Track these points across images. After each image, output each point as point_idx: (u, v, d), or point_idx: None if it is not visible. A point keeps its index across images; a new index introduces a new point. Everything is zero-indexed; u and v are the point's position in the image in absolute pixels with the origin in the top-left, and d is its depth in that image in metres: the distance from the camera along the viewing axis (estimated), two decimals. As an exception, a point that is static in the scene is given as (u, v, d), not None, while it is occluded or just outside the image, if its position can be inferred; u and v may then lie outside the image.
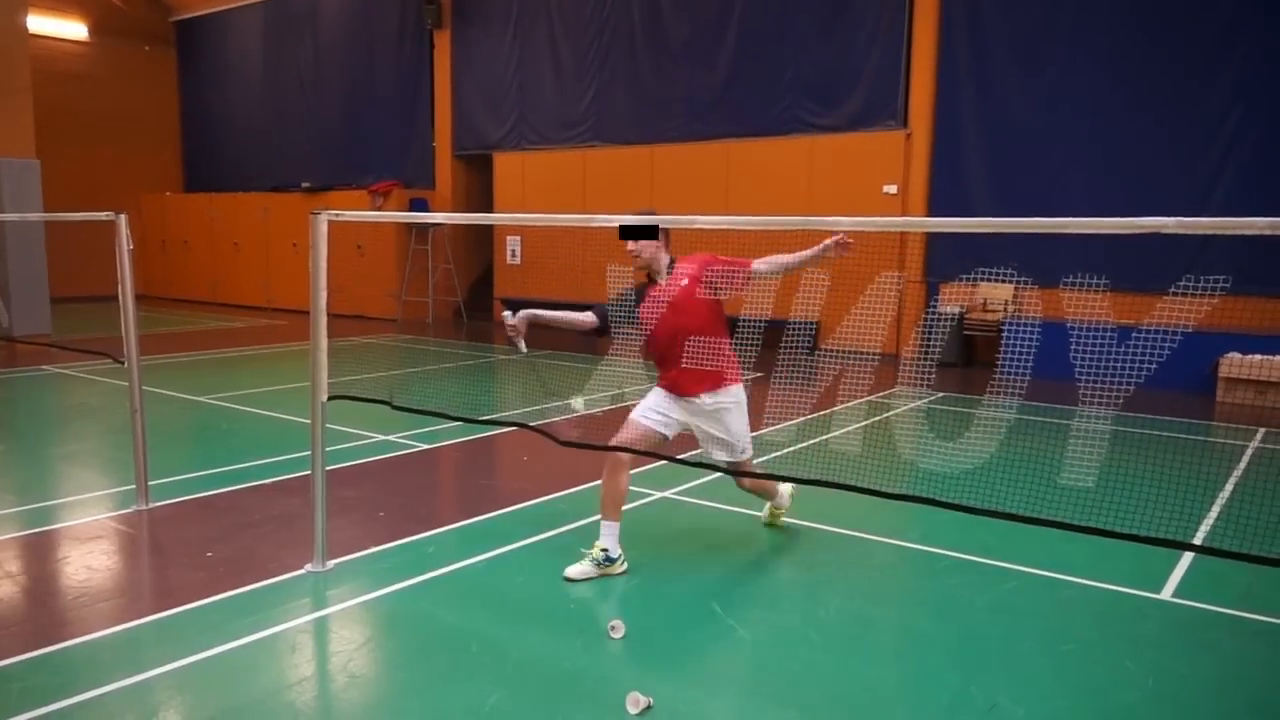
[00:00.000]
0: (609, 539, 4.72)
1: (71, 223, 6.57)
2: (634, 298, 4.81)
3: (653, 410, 4.78)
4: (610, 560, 4.71)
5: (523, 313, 4.74)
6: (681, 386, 4.73)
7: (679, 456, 4.73)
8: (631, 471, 6.31)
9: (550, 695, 3.51)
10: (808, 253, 4.54)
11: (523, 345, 4.77)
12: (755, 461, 5.35)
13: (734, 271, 4.65)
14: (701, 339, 4.60)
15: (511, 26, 17.12)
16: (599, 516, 4.77)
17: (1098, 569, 4.84)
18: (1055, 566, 4.89)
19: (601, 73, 16.08)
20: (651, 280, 4.81)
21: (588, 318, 4.87)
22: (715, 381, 4.70)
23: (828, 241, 4.43)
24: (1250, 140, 10.73)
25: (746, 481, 5.13)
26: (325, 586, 4.54)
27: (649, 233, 4.35)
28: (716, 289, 4.69)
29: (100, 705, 3.39)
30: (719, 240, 5.88)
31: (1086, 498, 4.36)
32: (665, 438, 4.79)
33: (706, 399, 4.73)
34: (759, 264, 4.64)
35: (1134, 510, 4.26)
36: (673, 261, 4.81)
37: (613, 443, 4.69)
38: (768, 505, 5.54)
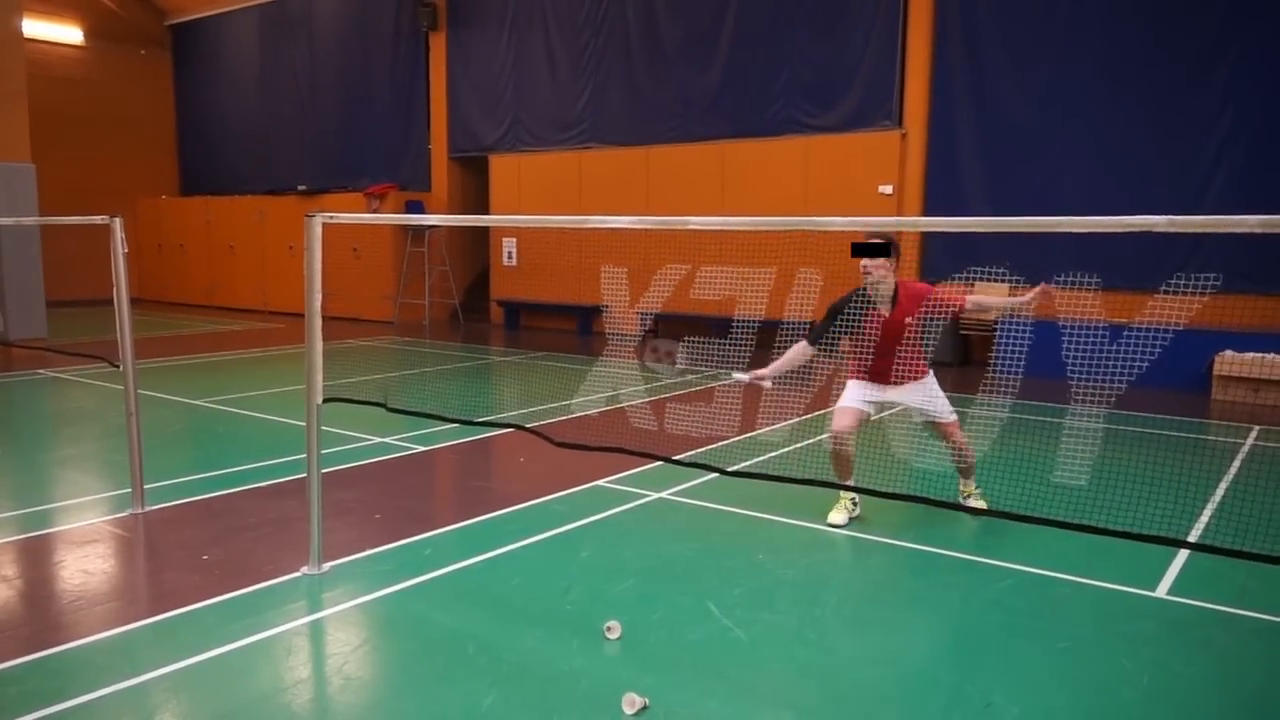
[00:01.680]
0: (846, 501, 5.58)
1: (67, 226, 6.57)
2: (854, 315, 5.35)
3: (861, 398, 5.58)
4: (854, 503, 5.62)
5: (761, 374, 5.20)
6: (892, 378, 5.48)
7: (675, 457, 4.73)
8: (629, 473, 6.35)
9: (546, 696, 3.52)
10: (1014, 301, 5.26)
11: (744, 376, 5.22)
12: (750, 462, 5.38)
13: (948, 307, 5.50)
14: (915, 348, 5.48)
15: (506, 28, 17.12)
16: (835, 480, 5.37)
17: (1093, 567, 4.85)
18: (1050, 565, 4.89)
19: (597, 74, 16.09)
20: (871, 303, 5.38)
21: (803, 350, 5.43)
22: (918, 374, 5.55)
23: (1035, 291, 4.98)
24: (1243, 139, 10.76)
25: (958, 437, 5.64)
26: (321, 589, 4.54)
27: (883, 250, 5.10)
28: (928, 320, 5.46)
29: (97, 708, 3.39)
30: (714, 241, 5.89)
31: (1082, 496, 4.37)
32: (870, 415, 5.67)
33: (913, 385, 5.54)
34: (971, 300, 5.56)
35: (1129, 508, 4.27)
36: (897, 289, 5.42)
37: (834, 428, 5.46)
38: (966, 492, 5.85)
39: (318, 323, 4.73)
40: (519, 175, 17.14)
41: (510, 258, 17.25)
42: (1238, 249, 10.30)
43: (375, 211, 17.57)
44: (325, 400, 4.79)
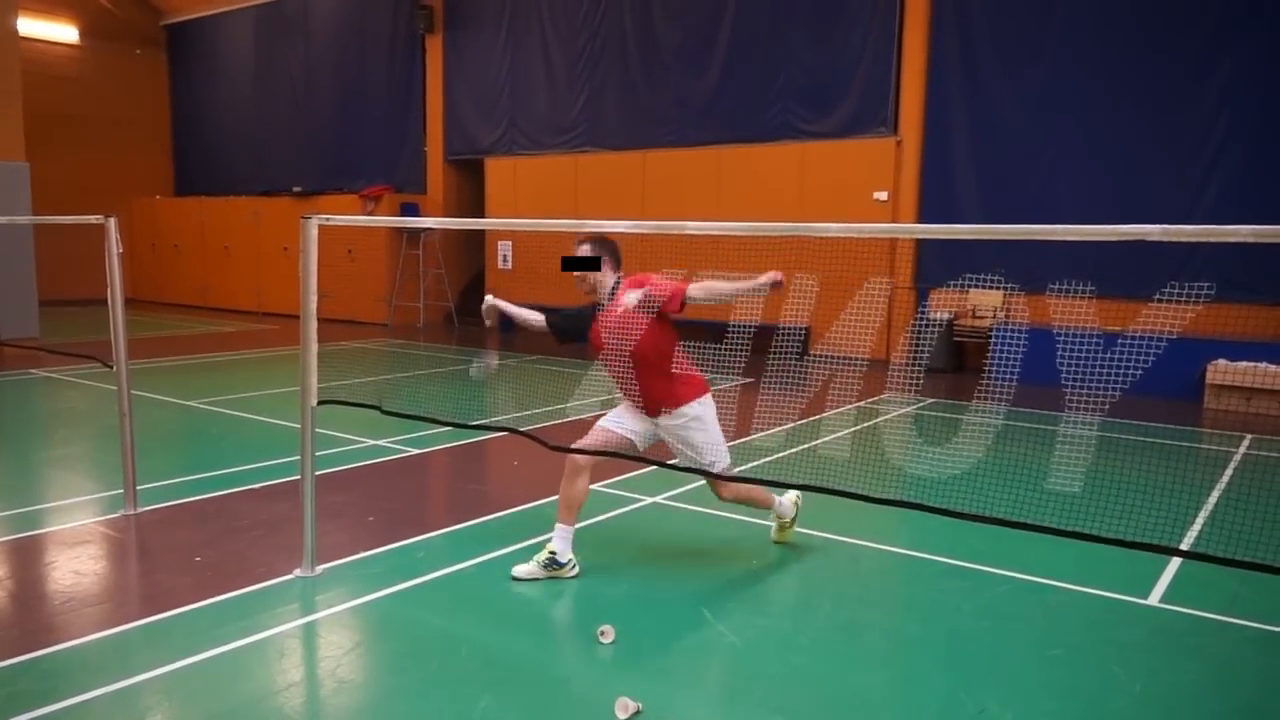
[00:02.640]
0: (560, 542, 4.69)
1: (61, 226, 6.55)
2: (588, 317, 4.84)
3: (621, 421, 4.78)
4: (558, 564, 4.68)
5: (498, 302, 4.99)
6: (650, 404, 4.70)
7: (670, 462, 4.74)
8: (623, 477, 6.33)
9: (539, 700, 3.51)
10: (745, 285, 4.43)
11: (493, 364, 4.91)
12: (744, 468, 5.36)
13: (667, 299, 4.55)
14: (649, 360, 4.58)
15: (503, 32, 17.14)
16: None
17: (1086, 574, 4.86)
18: (1043, 572, 4.90)
19: (593, 78, 16.11)
20: (598, 303, 4.80)
21: (539, 321, 5.04)
22: (673, 399, 4.66)
23: (763, 279, 4.35)
24: (1237, 148, 10.81)
25: (726, 493, 4.99)
26: (314, 591, 4.53)
27: (592, 264, 4.53)
28: (654, 312, 4.60)
29: (88, 710, 3.37)
30: (710, 246, 5.90)
31: (1075, 503, 4.38)
32: (634, 445, 4.77)
33: (664, 420, 4.70)
34: (694, 289, 4.55)
35: (1122, 515, 4.28)
36: (617, 283, 4.77)
37: (579, 444, 4.68)
38: (774, 521, 5.39)
39: (312, 324, 4.72)
40: (515, 178, 17.14)
41: (505, 261, 17.25)
42: (1232, 258, 10.35)
43: (370, 213, 17.54)
44: (319, 402, 4.79)
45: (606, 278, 4.76)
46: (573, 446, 4.63)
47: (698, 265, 5.64)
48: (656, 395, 4.65)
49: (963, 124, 12.61)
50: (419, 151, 18.68)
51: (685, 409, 4.67)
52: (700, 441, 4.70)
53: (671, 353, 4.68)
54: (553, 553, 4.68)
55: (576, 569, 4.75)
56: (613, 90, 15.91)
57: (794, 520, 5.37)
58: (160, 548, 5.23)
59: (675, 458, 4.83)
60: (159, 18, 23.20)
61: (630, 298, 4.60)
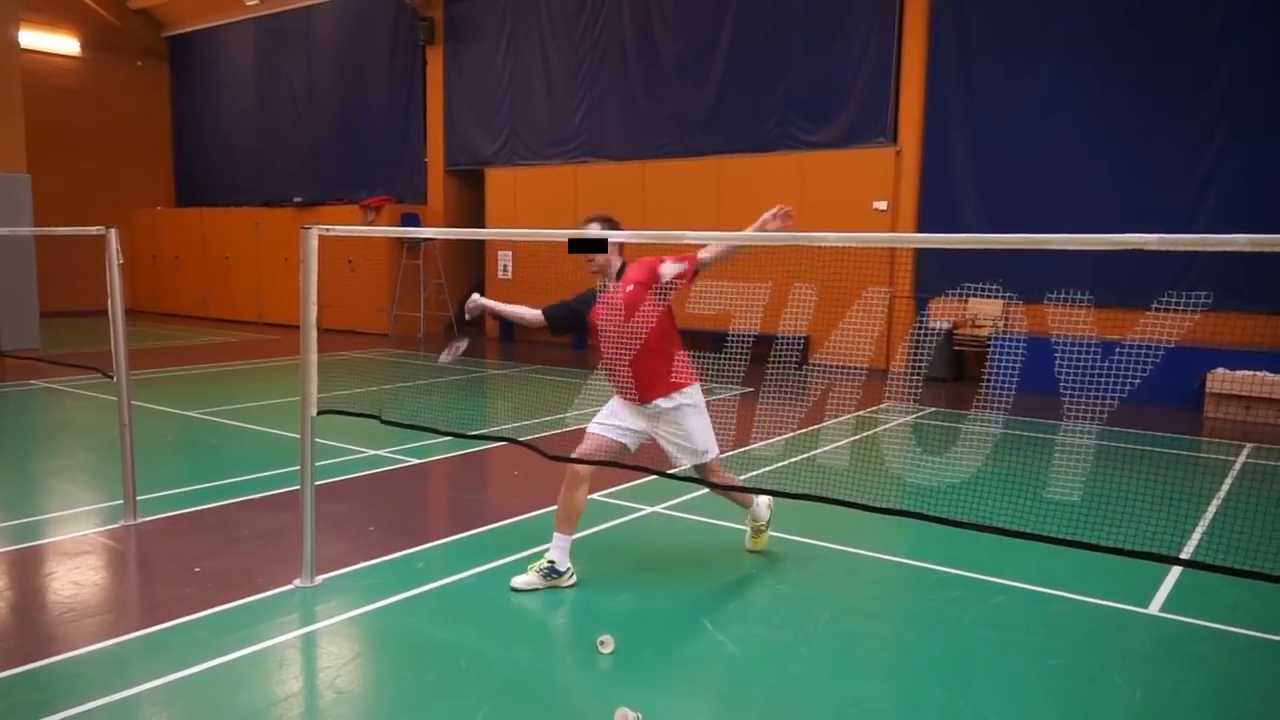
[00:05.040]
0: (558, 551, 4.70)
1: (62, 237, 6.57)
2: (587, 302, 4.87)
3: (611, 420, 4.78)
4: (557, 573, 4.69)
5: (485, 301, 4.92)
6: (637, 392, 4.70)
7: (669, 471, 4.73)
8: (623, 487, 6.33)
9: (539, 711, 3.51)
10: (748, 231, 4.54)
11: (461, 346, 4.92)
12: (743, 477, 5.37)
13: (677, 268, 4.61)
14: (652, 343, 4.60)
15: (504, 43, 17.20)
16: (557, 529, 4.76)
17: (1086, 584, 4.85)
18: (1043, 581, 4.90)
19: (593, 89, 16.15)
20: (603, 289, 4.82)
21: (535, 316, 4.99)
22: (670, 384, 4.70)
23: (766, 215, 4.52)
24: (1236, 158, 10.83)
25: (718, 479, 5.00)
26: (314, 602, 4.53)
27: (599, 247, 4.41)
28: (666, 291, 4.65)
29: (86, 721, 3.37)
30: (636, 256, 5.90)
31: (1075, 512, 4.37)
32: (626, 448, 4.78)
33: (663, 402, 4.70)
34: (703, 254, 4.64)
35: (1122, 525, 4.28)
36: (623, 266, 4.81)
37: (575, 453, 4.69)
38: (748, 525, 5.41)
39: (313, 335, 4.73)
40: (515, 189, 17.18)
41: (505, 271, 17.27)
42: (1232, 266, 10.36)
43: (371, 224, 17.58)
44: (319, 412, 4.79)
45: (614, 259, 4.79)
46: (572, 456, 4.63)
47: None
48: (656, 378, 4.66)
49: (962, 133, 12.64)
50: (419, 162, 18.73)
51: (683, 392, 4.71)
52: (696, 426, 4.74)
53: (673, 335, 4.74)
54: (551, 561, 4.68)
55: (574, 578, 4.75)
56: (612, 101, 15.95)
57: (768, 525, 5.38)
58: (160, 558, 5.22)
59: (667, 455, 4.83)
60: (160, 30, 23.29)
61: (668, 268, 4.60)
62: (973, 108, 12.53)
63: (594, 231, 4.48)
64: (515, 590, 4.65)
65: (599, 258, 4.71)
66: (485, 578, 4.89)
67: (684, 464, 4.87)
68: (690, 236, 3.96)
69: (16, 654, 3.90)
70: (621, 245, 4.83)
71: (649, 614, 4.48)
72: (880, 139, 13.28)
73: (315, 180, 20.15)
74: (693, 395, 4.75)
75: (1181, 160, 11.10)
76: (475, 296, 4.95)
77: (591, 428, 4.81)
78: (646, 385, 4.68)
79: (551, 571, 4.67)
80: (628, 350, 4.61)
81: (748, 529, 5.45)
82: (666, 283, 4.62)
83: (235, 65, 22.10)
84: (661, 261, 4.68)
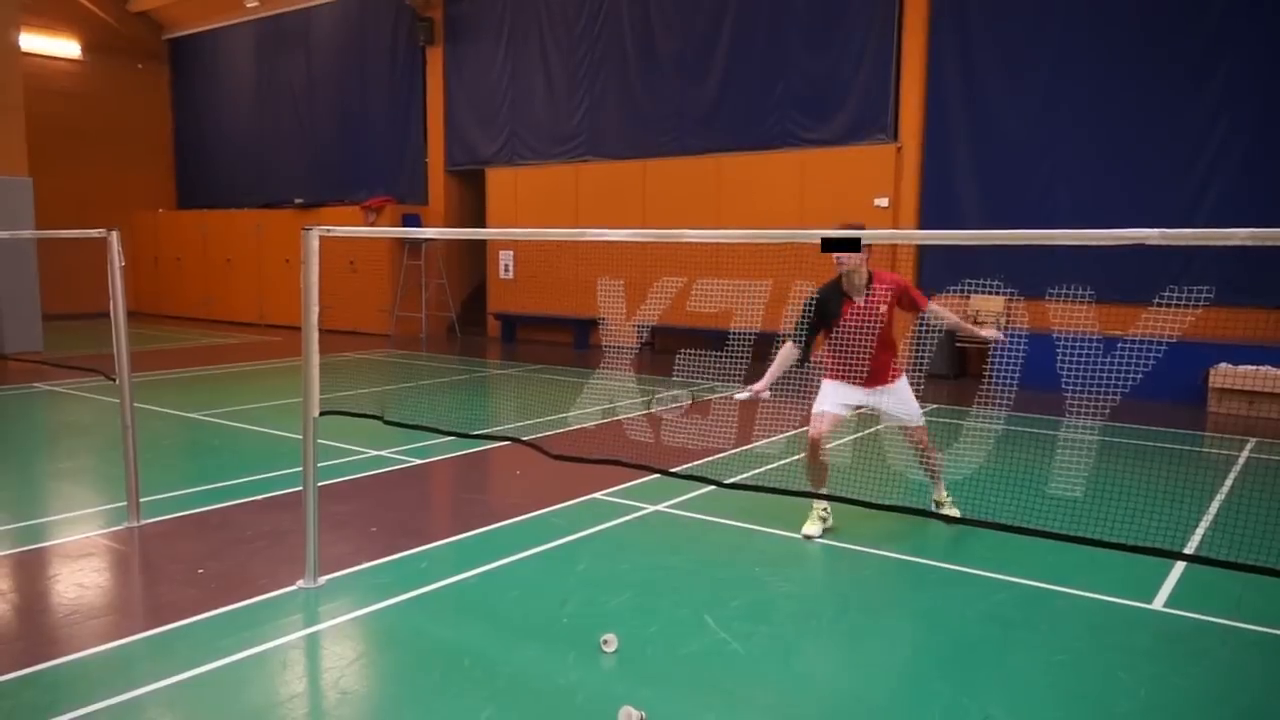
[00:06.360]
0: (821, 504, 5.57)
1: (64, 240, 6.57)
2: (829, 307, 5.45)
3: (838, 398, 5.53)
4: (823, 518, 5.61)
5: (757, 386, 5.35)
6: (874, 378, 5.49)
7: (671, 470, 4.73)
8: (626, 485, 6.35)
9: (543, 710, 3.51)
10: (970, 328, 5.60)
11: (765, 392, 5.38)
12: (745, 476, 5.38)
13: (918, 302, 5.51)
14: (888, 342, 5.52)
15: (503, 43, 17.20)
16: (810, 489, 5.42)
17: (1089, 579, 4.84)
18: (1047, 577, 4.89)
19: (593, 88, 16.15)
20: (845, 293, 5.44)
21: (793, 356, 5.51)
22: (894, 375, 5.58)
23: (990, 333, 5.56)
24: (1236, 152, 10.81)
25: (925, 442, 5.70)
26: (317, 602, 4.53)
27: (854, 245, 4.68)
28: (903, 308, 5.53)
29: (90, 723, 3.37)
30: (709, 254, 5.91)
31: (1078, 508, 4.37)
32: (846, 420, 5.66)
33: (885, 388, 5.53)
34: (934, 306, 5.54)
35: (1126, 520, 4.28)
36: (870, 278, 5.45)
37: (811, 433, 5.40)
38: (933, 496, 5.87)
39: (314, 336, 4.73)
40: (516, 188, 17.18)
41: (507, 271, 17.27)
42: (1234, 261, 10.34)
43: (372, 225, 17.59)
44: (321, 413, 4.79)
45: (863, 266, 5.42)
46: (811, 433, 5.42)
47: (698, 272, 5.65)
48: (886, 369, 5.53)
49: (962, 130, 12.63)
50: (420, 162, 18.73)
51: (903, 380, 5.65)
52: (912, 401, 5.63)
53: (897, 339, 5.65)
54: (826, 508, 5.59)
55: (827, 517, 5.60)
56: (613, 99, 15.95)
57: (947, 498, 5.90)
58: (163, 560, 5.23)
59: (883, 418, 5.79)
60: (161, 32, 23.31)
61: (940, 312, 5.60)
62: (973, 104, 12.51)
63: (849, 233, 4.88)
64: (808, 538, 5.41)
65: (851, 261, 5.33)
66: (488, 577, 4.90)
67: (902, 421, 5.62)
68: (690, 235, 3.95)
69: (21, 656, 3.90)
70: (868, 254, 5.45)
71: (652, 612, 4.48)
72: (881, 136, 13.27)
73: (316, 181, 20.16)
74: (905, 379, 5.69)
75: (1182, 154, 11.09)
76: (741, 397, 5.27)
77: (822, 407, 5.51)
78: (879, 374, 5.50)
79: (828, 516, 5.60)
80: (873, 348, 5.38)
81: (939, 502, 5.80)
82: (907, 301, 5.50)
83: (236, 67, 22.11)
84: (907, 284, 5.59)
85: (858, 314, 5.43)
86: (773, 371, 5.42)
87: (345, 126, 19.87)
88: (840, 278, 5.47)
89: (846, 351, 5.42)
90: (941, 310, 5.58)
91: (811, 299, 5.51)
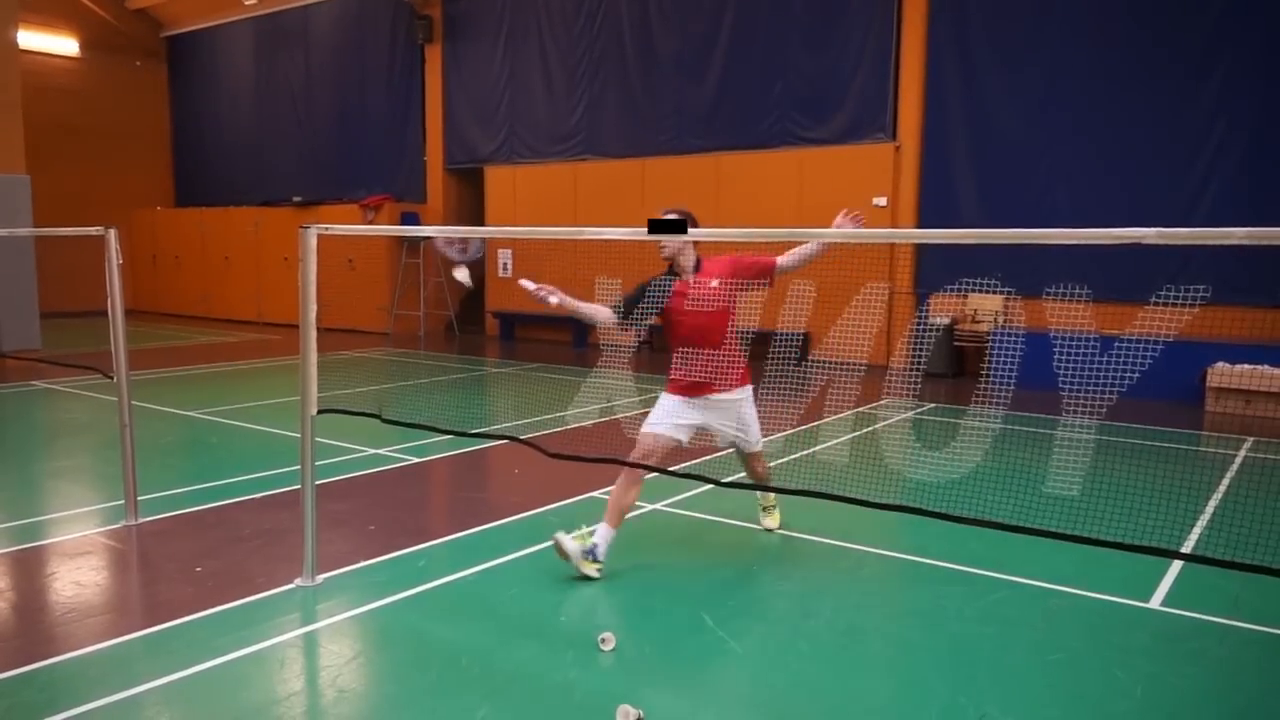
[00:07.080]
0: (603, 541, 4.78)
1: (62, 238, 6.57)
2: (659, 290, 4.92)
3: (668, 419, 4.90)
4: (595, 560, 4.77)
5: (558, 296, 4.83)
6: (706, 385, 4.85)
7: (669, 468, 4.73)
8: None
9: (540, 708, 3.51)
10: (811, 247, 4.82)
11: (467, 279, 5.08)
12: (742, 473, 5.38)
13: (761, 269, 4.87)
14: (725, 336, 4.85)
15: (502, 41, 17.19)
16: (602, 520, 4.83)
17: (1087, 578, 4.85)
18: (1044, 576, 4.90)
19: (592, 87, 16.15)
20: (675, 275, 4.93)
21: (608, 314, 4.97)
22: (738, 378, 4.94)
23: (839, 219, 4.72)
24: (1234, 152, 10.83)
25: (761, 469, 5.29)
26: (315, 601, 4.53)
27: (679, 227, 4.35)
28: (745, 289, 4.87)
29: (88, 721, 3.37)
30: (710, 252, 5.93)
31: (1076, 507, 4.38)
32: (681, 444, 4.93)
33: (724, 396, 4.91)
34: (782, 259, 4.86)
35: (1123, 519, 4.28)
36: (699, 261, 4.96)
37: (632, 457, 4.79)
38: (762, 513, 5.67)
39: (312, 334, 4.73)
40: (514, 187, 17.18)
41: (505, 269, 17.27)
42: (1232, 260, 10.36)
43: (371, 223, 17.58)
44: (319, 411, 4.79)
45: (689, 249, 4.90)
46: (630, 460, 4.73)
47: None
48: (724, 370, 4.83)
49: (961, 129, 12.64)
50: (419, 161, 18.72)
51: (748, 387, 5.02)
52: (752, 417, 5.04)
53: (737, 335, 4.95)
54: (595, 545, 4.77)
55: (601, 575, 4.79)
56: (611, 98, 15.95)
57: (775, 502, 5.66)
58: (161, 558, 5.23)
59: (719, 440, 5.07)
60: (159, 30, 23.28)
61: (787, 260, 4.85)
62: (971, 103, 12.52)
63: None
64: (558, 544, 4.72)
65: (671, 245, 4.83)
66: (486, 576, 4.90)
67: (739, 444, 5.07)
68: (690, 234, 3.95)
69: (18, 654, 3.90)
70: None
71: (650, 611, 4.48)
72: (879, 135, 13.28)
73: (314, 179, 20.14)
74: (749, 392, 5.04)
75: (1180, 154, 11.10)
76: (525, 284, 4.89)
77: (649, 428, 4.89)
78: (717, 376, 4.83)
79: (592, 556, 4.76)
80: (701, 343, 4.81)
81: (760, 512, 5.62)
82: (747, 281, 4.84)
83: (234, 65, 22.10)
84: (739, 259, 4.92)
85: (688, 291, 4.88)
86: (578, 303, 4.93)
87: (344, 124, 19.86)
88: (669, 267, 5.00)
89: (683, 339, 4.91)
90: (792, 253, 4.92)
91: (645, 284, 5.02)
